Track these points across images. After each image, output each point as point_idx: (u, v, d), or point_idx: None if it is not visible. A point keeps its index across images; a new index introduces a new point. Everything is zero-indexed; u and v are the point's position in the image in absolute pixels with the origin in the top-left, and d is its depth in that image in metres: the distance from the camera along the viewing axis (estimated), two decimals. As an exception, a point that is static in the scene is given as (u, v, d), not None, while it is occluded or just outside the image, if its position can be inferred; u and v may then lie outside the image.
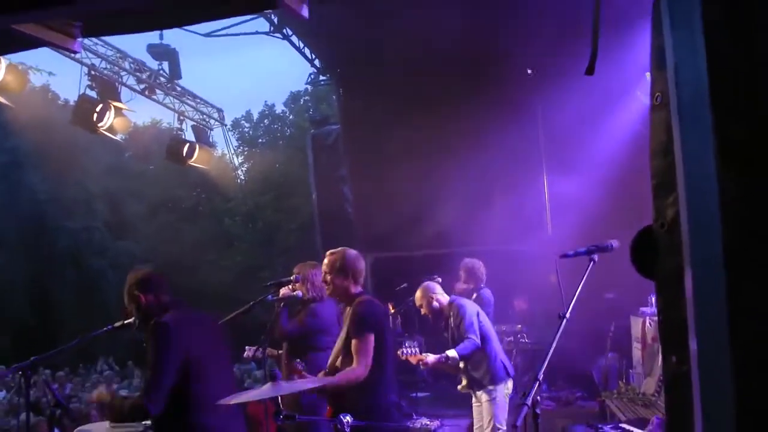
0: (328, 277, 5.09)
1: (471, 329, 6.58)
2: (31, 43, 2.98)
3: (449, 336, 6.95)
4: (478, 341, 6.53)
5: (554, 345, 3.34)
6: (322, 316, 6.62)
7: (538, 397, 3.09)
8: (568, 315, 3.37)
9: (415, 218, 12.06)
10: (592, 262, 3.66)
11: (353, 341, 4.80)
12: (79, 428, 4.47)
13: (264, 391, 3.66)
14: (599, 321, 10.13)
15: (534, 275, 9.47)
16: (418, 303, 7.08)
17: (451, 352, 6.47)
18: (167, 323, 4.06)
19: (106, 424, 4.48)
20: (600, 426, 4.12)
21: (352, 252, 5.18)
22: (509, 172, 11.63)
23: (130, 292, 4.34)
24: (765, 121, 1.62)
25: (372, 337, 4.75)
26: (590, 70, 2.21)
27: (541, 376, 3.21)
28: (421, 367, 6.65)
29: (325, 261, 5.15)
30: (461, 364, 6.69)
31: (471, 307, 6.80)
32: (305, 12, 2.92)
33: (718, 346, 1.56)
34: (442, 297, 6.96)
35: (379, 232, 12.86)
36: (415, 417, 9.63)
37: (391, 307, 11.49)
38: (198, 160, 13.40)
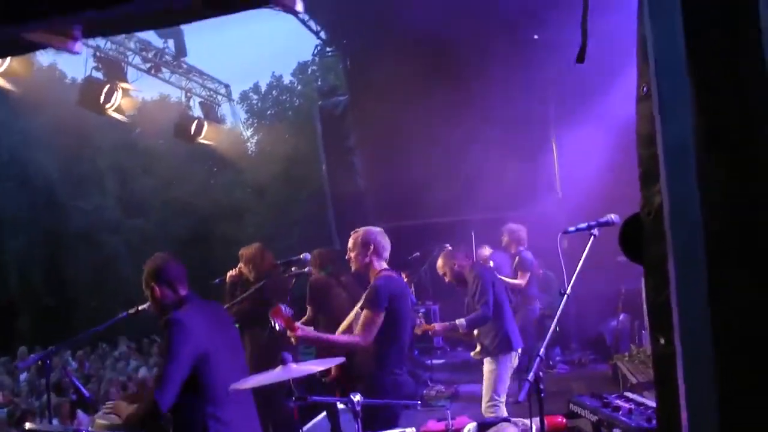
0: (353, 254, 5.17)
1: (484, 299, 6.61)
2: (33, 46, 3.04)
3: (467, 301, 7.03)
4: (489, 312, 6.57)
5: (555, 321, 3.42)
6: (267, 298, 6.56)
7: (541, 373, 3.16)
8: (569, 291, 3.44)
9: (425, 186, 12.07)
10: (592, 237, 3.72)
11: (363, 312, 4.89)
12: (100, 413, 4.53)
13: (275, 374, 3.72)
14: (611, 284, 10.18)
15: (546, 240, 9.49)
16: (440, 270, 7.13)
17: (460, 321, 6.55)
18: (182, 319, 4.06)
19: (123, 404, 4.52)
20: (605, 396, 4.18)
21: (376, 229, 5.27)
22: (519, 138, 11.63)
23: (147, 281, 4.32)
24: (746, 110, 1.66)
25: (381, 315, 4.81)
26: (581, 58, 2.26)
27: (542, 353, 3.28)
28: (431, 335, 6.70)
29: (350, 239, 5.23)
30: (475, 332, 6.74)
31: (488, 275, 6.82)
32: (300, 6, 2.95)
33: (701, 329, 1.63)
34: (464, 263, 6.99)
35: (390, 202, 12.90)
36: (430, 384, 9.80)
37: (404, 276, 11.60)
38: (207, 136, 13.45)
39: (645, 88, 1.86)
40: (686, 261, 1.65)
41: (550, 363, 10.48)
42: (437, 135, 11.90)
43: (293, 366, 3.72)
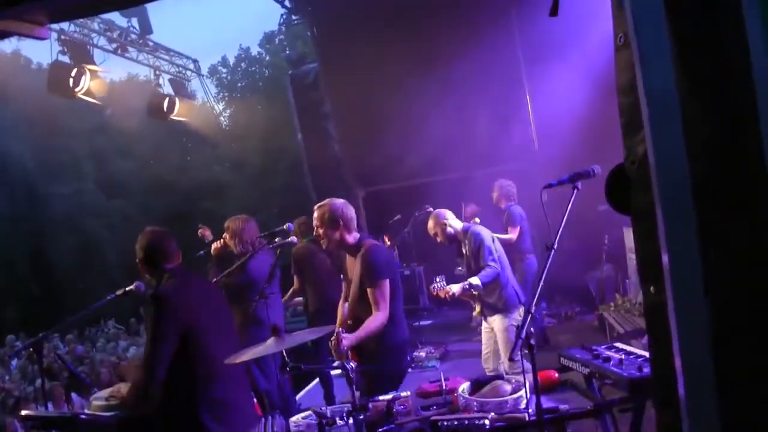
0: (321, 231, 5.15)
1: (489, 256, 6.56)
2: (1, 35, 2.98)
3: (464, 263, 6.99)
4: (498, 267, 6.54)
5: (543, 276, 3.40)
6: (250, 270, 6.66)
7: (532, 329, 3.15)
8: (555, 245, 3.42)
9: (401, 149, 12.00)
10: (575, 190, 3.69)
11: (369, 290, 4.94)
12: (95, 395, 4.52)
13: (268, 346, 3.70)
14: (593, 234, 10.21)
15: (524, 195, 9.50)
16: (431, 231, 7.02)
17: (474, 280, 6.44)
18: (164, 295, 4.04)
19: (122, 386, 4.52)
20: (595, 347, 4.18)
21: (339, 201, 5.23)
22: (492, 93, 11.53)
23: (138, 256, 4.36)
24: (726, 52, 1.64)
25: (387, 283, 4.92)
26: (554, 12, 2.22)
27: (533, 308, 3.26)
28: (447, 299, 6.62)
29: (315, 215, 5.20)
30: (474, 291, 6.69)
31: (486, 233, 6.74)
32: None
33: (691, 276, 1.61)
34: (455, 223, 6.91)
35: (367, 167, 12.84)
36: (419, 345, 9.83)
37: (386, 240, 11.59)
38: (179, 113, 13.31)
39: (621, 38, 1.83)
40: (674, 208, 1.63)
41: (531, 331, 10.50)
42: (410, 97, 11.79)
43: (286, 337, 3.71)
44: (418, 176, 12.60)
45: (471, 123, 11.86)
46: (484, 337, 6.99)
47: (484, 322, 6.96)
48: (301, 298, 8.52)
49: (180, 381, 4.01)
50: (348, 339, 4.79)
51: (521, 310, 6.58)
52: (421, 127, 11.69)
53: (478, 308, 6.94)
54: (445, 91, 11.59)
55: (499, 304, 6.66)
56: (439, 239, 7.01)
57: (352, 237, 5.14)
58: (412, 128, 11.78)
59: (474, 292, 6.60)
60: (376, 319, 4.88)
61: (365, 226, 13.00)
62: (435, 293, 6.74)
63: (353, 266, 5.18)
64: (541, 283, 3.42)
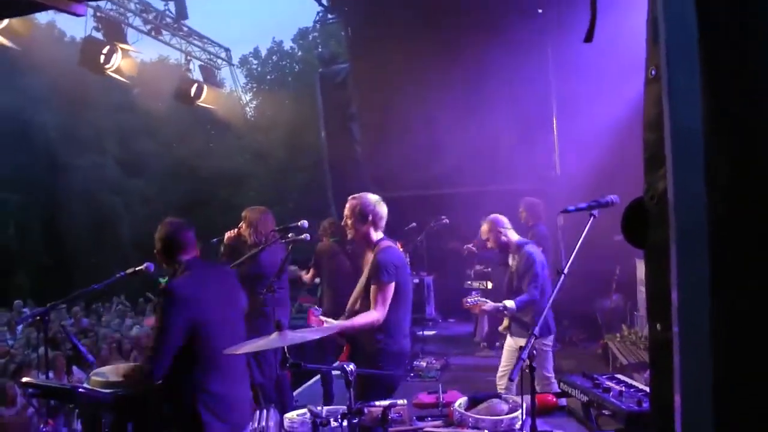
0: (349, 222, 5.17)
1: (533, 283, 6.44)
2: (32, 6, 3.00)
3: (507, 278, 6.91)
4: (537, 297, 6.41)
5: (551, 301, 3.40)
6: (262, 262, 6.69)
7: (534, 351, 3.15)
8: (566, 270, 3.41)
9: (422, 158, 12.04)
10: (592, 218, 3.69)
11: (372, 287, 4.93)
12: (95, 371, 4.55)
13: (271, 341, 3.71)
14: (606, 263, 10.16)
15: (545, 214, 9.48)
16: (484, 236, 6.97)
17: (510, 303, 6.37)
18: (178, 289, 4.07)
19: (122, 366, 4.55)
20: (596, 376, 4.16)
21: (373, 197, 5.22)
22: (518, 112, 11.52)
23: (156, 247, 4.38)
24: (755, 96, 1.63)
25: (391, 286, 4.89)
26: (589, 38, 2.21)
27: (537, 331, 3.26)
28: (478, 313, 6.58)
29: (347, 205, 5.22)
30: (506, 313, 6.57)
31: (539, 257, 6.59)
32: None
33: (699, 318, 1.61)
34: (510, 233, 6.83)
35: (387, 172, 12.85)
36: (421, 356, 9.82)
37: (399, 246, 11.60)
38: (206, 100, 13.40)
39: (653, 71, 1.82)
40: (689, 248, 1.62)
41: (534, 353, 10.45)
42: (436, 106, 11.82)
43: (289, 332, 3.71)
44: (436, 186, 12.61)
45: (494, 138, 11.87)
46: (505, 354, 6.89)
47: (508, 338, 6.84)
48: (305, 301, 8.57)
49: (182, 372, 4.04)
50: (326, 321, 4.97)
51: (551, 337, 6.59)
52: (444, 138, 11.71)
53: (506, 323, 6.82)
54: (472, 104, 11.60)
55: (529, 325, 6.46)
56: (489, 245, 6.97)
57: (376, 235, 5.14)
58: (435, 138, 11.80)
59: (505, 313, 6.55)
60: (368, 316, 4.87)
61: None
62: (468, 306, 6.68)
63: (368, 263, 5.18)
64: (548, 306, 3.41)
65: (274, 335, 3.69)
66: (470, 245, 10.31)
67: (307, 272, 8.77)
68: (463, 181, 12.21)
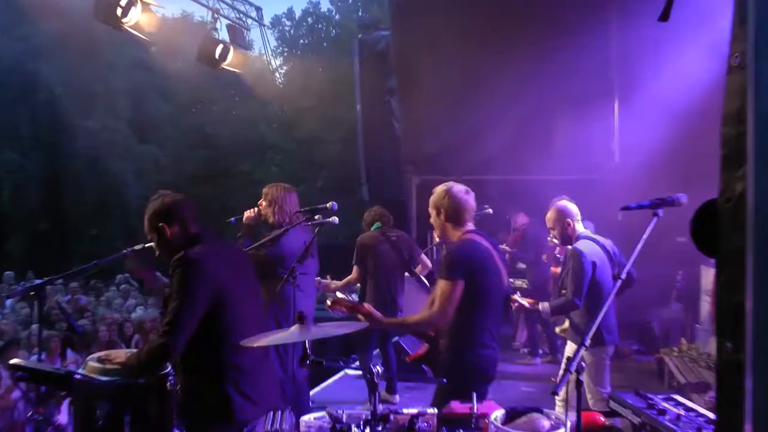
0: (433, 212, 5.05)
1: (578, 288, 6.23)
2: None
3: (561, 275, 6.81)
4: (579, 304, 6.23)
5: (605, 309, 3.37)
6: (283, 245, 6.60)
7: (583, 364, 3.13)
8: (624, 276, 3.39)
9: (468, 140, 11.97)
10: (655, 217, 3.64)
11: (438, 282, 4.78)
12: (91, 356, 4.56)
13: (291, 333, 3.71)
14: (666, 267, 10.06)
15: (598, 209, 9.38)
16: (549, 224, 6.68)
17: (544, 305, 6.31)
18: (199, 257, 4.02)
19: (122, 353, 4.54)
20: (650, 396, 4.13)
21: (461, 188, 5.06)
22: (575, 94, 11.41)
23: (152, 222, 4.26)
24: None
25: (460, 284, 4.67)
26: (665, 16, 2.19)
27: (587, 342, 3.24)
28: (513, 307, 6.45)
29: (433, 196, 5.09)
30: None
31: (590, 257, 6.32)
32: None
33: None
34: (578, 226, 6.56)
35: (428, 153, 12.83)
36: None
37: (436, 237, 11.59)
38: (232, 63, 13.39)
39: (738, 58, 1.79)
40: (768, 256, 1.60)
41: (582, 365, 10.37)
42: (485, 84, 11.72)
43: (312, 326, 3.71)
44: (481, 172, 12.52)
45: (547, 124, 11.78)
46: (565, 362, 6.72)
47: (568, 344, 6.77)
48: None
49: (201, 349, 4.04)
50: (371, 310, 4.70)
51: (609, 348, 6.46)
52: (492, 120, 11.62)
53: (566, 324, 6.70)
54: (524, 84, 11.49)
55: (580, 332, 6.39)
56: (552, 234, 6.77)
57: (460, 229, 4.98)
58: (482, 120, 11.72)
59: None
60: (429, 315, 4.75)
61: (414, 218, 13.00)
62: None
63: None
64: (600, 314, 3.39)
65: (295, 327, 3.70)
66: (504, 245, 10.21)
67: (349, 273, 8.62)
68: (509, 168, 12.17)
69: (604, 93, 11.68)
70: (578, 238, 6.50)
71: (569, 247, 6.53)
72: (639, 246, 3.42)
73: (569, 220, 6.52)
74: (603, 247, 6.52)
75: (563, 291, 6.43)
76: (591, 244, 6.46)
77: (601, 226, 9.30)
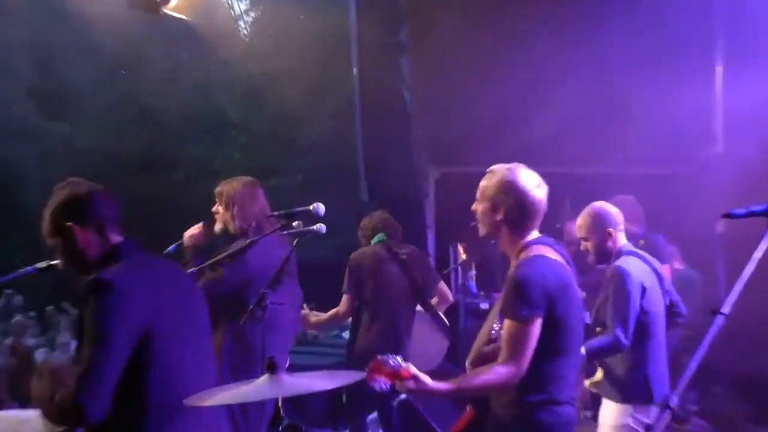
0: (484, 207, 4.80)
1: (622, 319, 6.16)
2: None
3: (596, 305, 6.63)
4: (625, 342, 6.14)
5: (702, 352, 3.37)
6: (248, 263, 6.55)
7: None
8: (727, 311, 3.38)
9: (506, 119, 12.00)
10: (771, 228, 3.63)
11: (505, 322, 4.51)
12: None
13: (258, 388, 3.66)
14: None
15: (695, 212, 9.38)
16: (581, 234, 6.71)
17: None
18: (114, 282, 3.84)
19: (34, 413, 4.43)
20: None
21: (530, 177, 4.79)
22: (658, 55, 11.42)
23: (56, 220, 4.14)
24: None
25: (538, 322, 4.44)
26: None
27: (675, 402, 3.24)
28: None
29: (482, 184, 4.85)
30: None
31: (637, 279, 6.26)
32: None
33: None
34: (621, 238, 6.56)
35: (450, 138, 12.85)
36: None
37: (461, 251, 11.61)
38: (178, 6, 13.41)
39: None
40: None
41: (680, 414, 10.40)
42: (533, 39, 11.76)
43: (286, 377, 3.68)
44: (522, 163, 12.50)
45: (613, 100, 11.77)
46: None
47: (604, 402, 6.65)
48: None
49: (121, 409, 3.84)
50: (418, 379, 4.34)
51: (651, 410, 6.19)
52: (540, 91, 11.64)
53: (599, 375, 6.63)
54: (579, 49, 11.49)
55: (619, 383, 6.40)
56: (584, 247, 6.75)
57: (522, 237, 4.73)
58: (526, 91, 11.72)
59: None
60: (493, 372, 4.41)
61: (432, 227, 13.02)
62: None
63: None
64: (694, 363, 3.38)
65: (264, 379, 3.68)
66: None
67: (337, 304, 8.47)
68: (555, 157, 12.16)
69: (702, 53, 11.71)
70: (620, 253, 6.49)
71: (614, 264, 6.45)
72: (749, 268, 3.40)
73: (611, 229, 6.55)
74: (651, 266, 6.49)
75: (598, 329, 6.38)
76: (637, 262, 6.46)
77: (690, 239, 9.32)
